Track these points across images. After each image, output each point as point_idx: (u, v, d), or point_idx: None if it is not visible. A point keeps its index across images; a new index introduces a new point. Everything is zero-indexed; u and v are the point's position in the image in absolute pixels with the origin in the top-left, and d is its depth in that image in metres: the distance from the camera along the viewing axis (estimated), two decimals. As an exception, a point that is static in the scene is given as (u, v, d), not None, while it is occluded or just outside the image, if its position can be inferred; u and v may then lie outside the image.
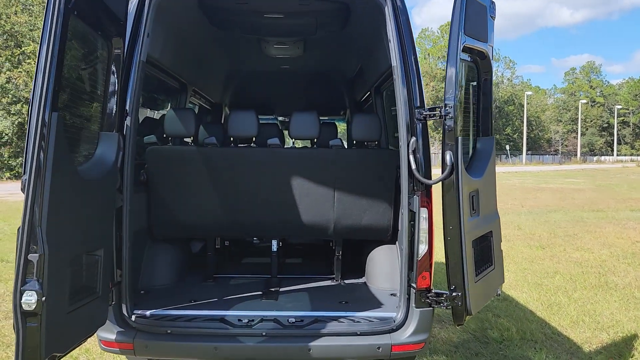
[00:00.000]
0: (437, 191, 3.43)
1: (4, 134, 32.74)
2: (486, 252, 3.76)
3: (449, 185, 3.28)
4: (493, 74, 4.00)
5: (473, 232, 3.46)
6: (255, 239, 6.18)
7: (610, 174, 44.52)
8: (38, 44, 2.63)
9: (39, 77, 2.46)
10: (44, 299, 2.46)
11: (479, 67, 3.84)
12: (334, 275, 4.69)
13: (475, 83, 3.91)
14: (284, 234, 4.86)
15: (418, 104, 3.47)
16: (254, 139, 4.75)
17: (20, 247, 2.42)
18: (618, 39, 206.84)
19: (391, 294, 4.16)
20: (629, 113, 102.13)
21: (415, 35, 3.72)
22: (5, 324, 5.81)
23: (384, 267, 4.44)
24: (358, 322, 3.55)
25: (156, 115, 6.36)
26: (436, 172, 3.49)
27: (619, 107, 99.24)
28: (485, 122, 3.96)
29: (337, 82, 7.84)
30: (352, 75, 7.17)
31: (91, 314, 3.04)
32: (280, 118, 9.85)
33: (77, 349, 3.51)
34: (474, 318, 5.78)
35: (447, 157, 3.26)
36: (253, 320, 3.51)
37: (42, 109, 2.44)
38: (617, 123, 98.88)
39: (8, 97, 32.93)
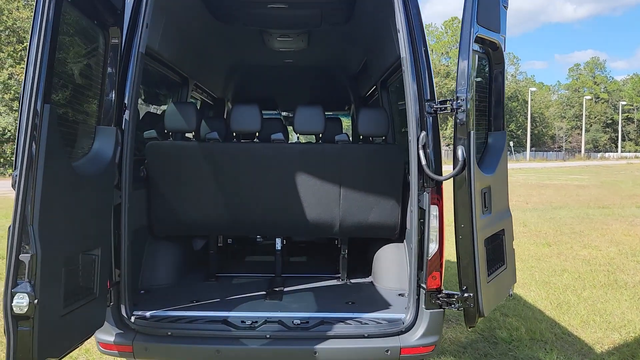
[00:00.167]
0: (446, 188, 3.31)
1: (6, 131, 32.72)
2: (498, 251, 3.64)
3: (461, 181, 3.15)
4: (506, 66, 3.86)
5: (485, 231, 3.34)
6: (258, 236, 6.07)
7: (615, 170, 44.34)
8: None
9: (30, 66, 2.34)
10: (36, 301, 2.34)
11: (491, 58, 3.70)
12: (339, 275, 4.57)
13: (486, 75, 3.77)
14: (288, 231, 4.75)
15: (428, 97, 3.34)
16: (257, 134, 4.63)
17: (11, 246, 2.30)
18: (622, 34, 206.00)
19: (399, 294, 4.04)
20: (634, 109, 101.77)
21: None
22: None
23: (391, 267, 4.33)
24: (365, 323, 3.43)
25: (156, 110, 6.24)
26: (444, 168, 3.38)
27: (624, 103, 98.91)
28: (497, 116, 3.81)
29: (341, 77, 7.70)
30: (357, 69, 7.03)
31: (88, 316, 2.92)
32: (283, 113, 9.72)
33: (77, 349, 3.41)
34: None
35: (459, 152, 3.13)
36: (257, 322, 3.40)
37: (33, 100, 2.32)
38: (622, 119, 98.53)
39: (10, 93, 32.95)
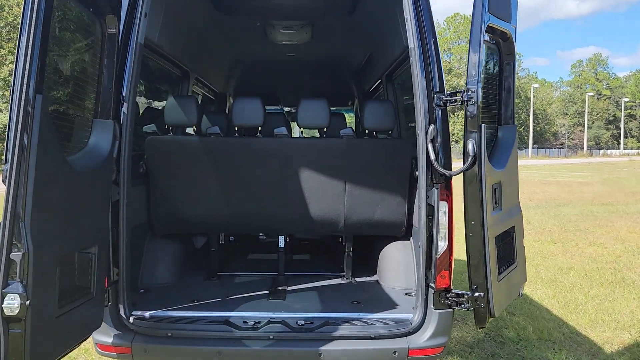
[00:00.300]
0: (455, 184, 3.19)
1: (6, 128, 32.65)
2: (509, 249, 3.53)
3: (471, 176, 3.03)
4: (516, 58, 3.73)
5: (496, 228, 3.22)
6: (261, 234, 5.95)
7: (617, 167, 44.13)
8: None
9: (20, 55, 2.22)
10: (28, 302, 2.22)
11: (501, 49, 3.57)
12: (344, 273, 4.46)
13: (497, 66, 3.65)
14: (291, 229, 4.63)
15: (437, 89, 3.21)
16: (259, 128, 4.50)
17: (1, 244, 2.18)
18: (624, 31, 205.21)
19: (406, 294, 3.93)
20: (636, 106, 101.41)
21: None
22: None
23: (397, 265, 4.21)
24: (372, 324, 3.32)
25: (156, 104, 6.12)
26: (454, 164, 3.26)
27: (626, 99, 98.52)
28: (507, 109, 3.69)
29: (345, 70, 7.56)
30: (362, 63, 6.88)
31: (84, 317, 2.81)
32: (286, 109, 9.59)
33: (76, 350, 3.30)
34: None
35: (470, 146, 3.01)
36: (259, 323, 3.29)
37: (24, 88, 2.20)
38: (624, 116, 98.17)
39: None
